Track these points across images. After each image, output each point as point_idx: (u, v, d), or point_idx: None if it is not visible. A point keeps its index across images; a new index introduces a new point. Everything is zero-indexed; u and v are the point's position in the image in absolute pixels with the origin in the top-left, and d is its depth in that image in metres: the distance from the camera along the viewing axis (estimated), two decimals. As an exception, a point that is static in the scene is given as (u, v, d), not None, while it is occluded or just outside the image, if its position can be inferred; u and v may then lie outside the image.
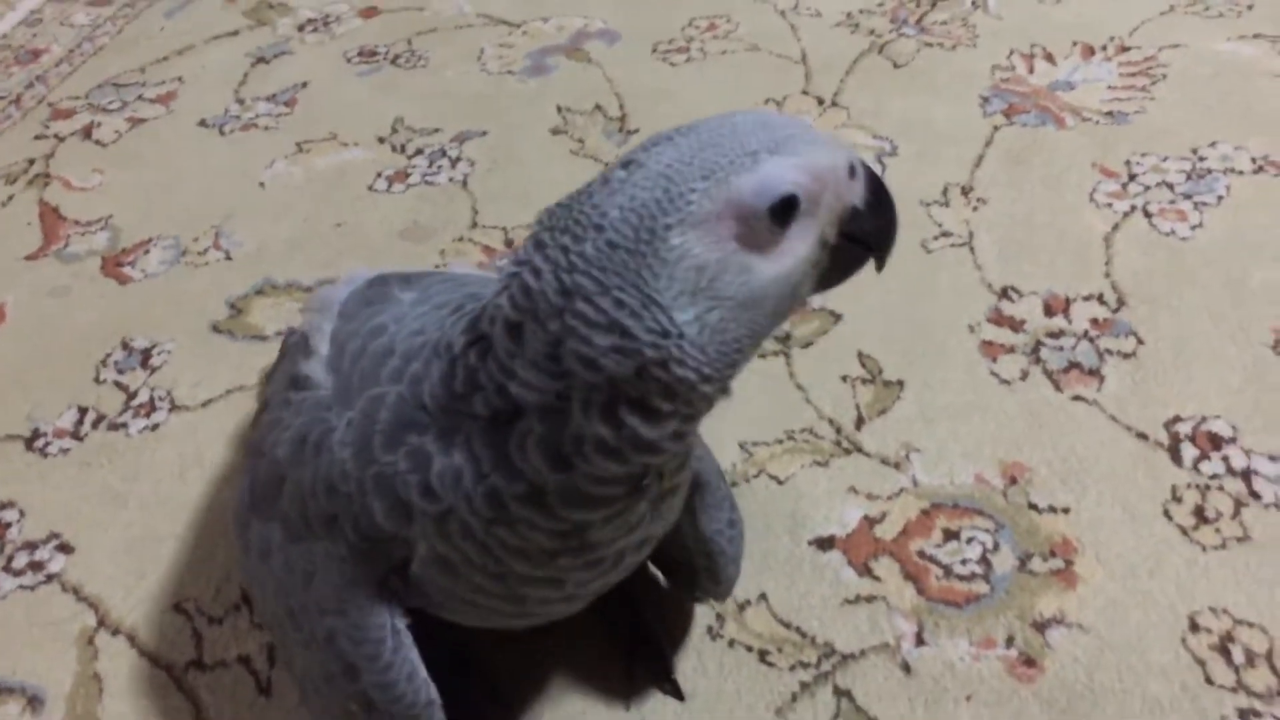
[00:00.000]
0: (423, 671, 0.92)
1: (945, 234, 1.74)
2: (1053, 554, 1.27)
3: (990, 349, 1.53)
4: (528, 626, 1.05)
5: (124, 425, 1.56)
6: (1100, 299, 1.59)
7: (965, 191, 1.83)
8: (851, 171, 0.81)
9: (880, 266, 0.89)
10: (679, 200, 0.76)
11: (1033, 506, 1.32)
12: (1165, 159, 1.84)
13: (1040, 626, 1.20)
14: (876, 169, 0.83)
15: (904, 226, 1.72)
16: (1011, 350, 1.53)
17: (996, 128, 1.97)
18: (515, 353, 0.79)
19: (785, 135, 0.79)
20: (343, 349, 1.01)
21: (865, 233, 0.84)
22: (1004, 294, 1.62)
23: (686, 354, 0.77)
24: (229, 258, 1.85)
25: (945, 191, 1.83)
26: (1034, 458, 1.38)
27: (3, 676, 1.26)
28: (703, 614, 1.25)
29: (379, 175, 2.01)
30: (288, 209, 1.96)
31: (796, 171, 0.77)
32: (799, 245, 0.79)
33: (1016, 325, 1.57)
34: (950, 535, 1.31)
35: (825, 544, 1.31)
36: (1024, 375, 1.49)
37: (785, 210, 0.77)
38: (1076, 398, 1.45)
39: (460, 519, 0.86)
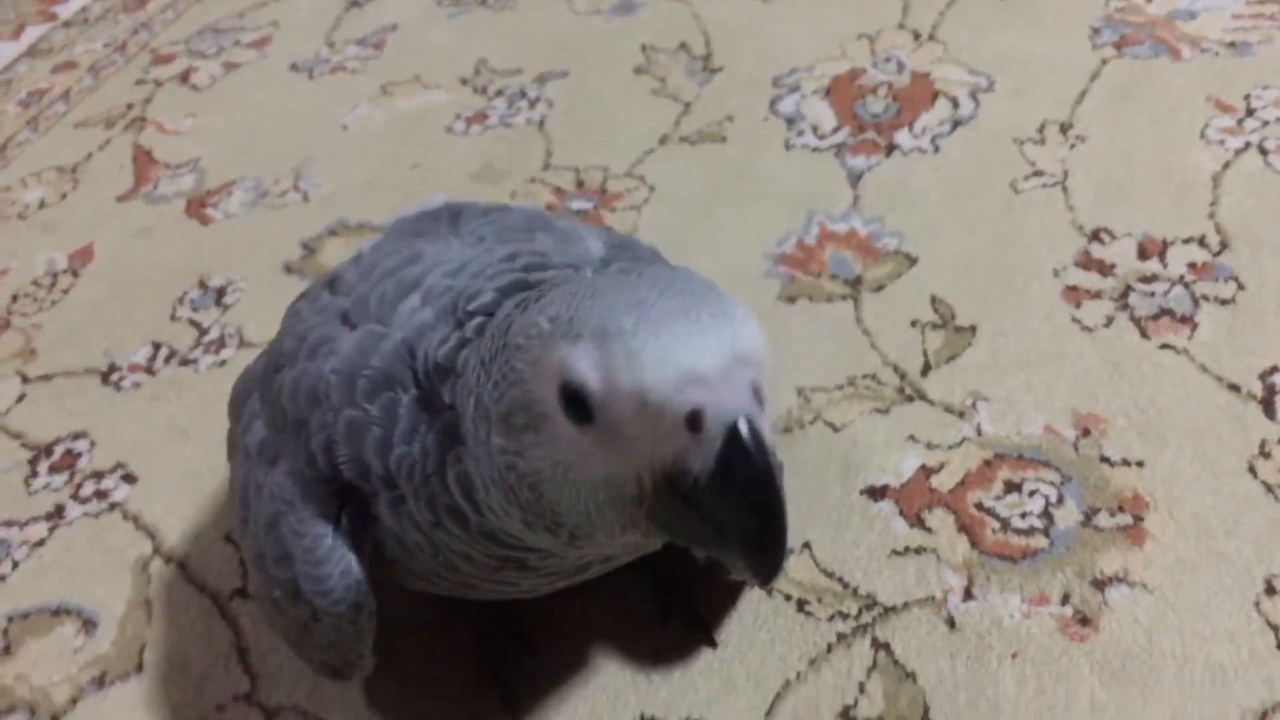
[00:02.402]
0: (358, 575, 0.90)
1: (1038, 173, 1.64)
2: (1121, 509, 1.18)
3: (1074, 294, 1.43)
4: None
5: (194, 361, 1.59)
6: (1201, 242, 1.47)
7: (1064, 129, 1.71)
8: (693, 422, 0.63)
9: (759, 579, 0.71)
10: (530, 329, 0.71)
11: (1105, 459, 1.23)
12: (1289, 92, 1.69)
13: (1100, 584, 1.12)
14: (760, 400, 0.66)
15: (994, 166, 1.65)
16: (1098, 295, 1.43)
17: (1105, 61, 1.84)
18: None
19: (650, 328, 0.65)
20: (376, 263, 1.00)
21: (708, 510, 0.66)
22: (1095, 236, 1.51)
23: (476, 464, 0.78)
24: (306, 199, 1.87)
25: (1042, 129, 1.72)
26: (1111, 408, 1.29)
27: (63, 599, 1.31)
28: (742, 561, 1.21)
29: (457, 117, 2.00)
30: (367, 151, 1.96)
31: (592, 371, 0.65)
32: (600, 451, 0.68)
33: (1106, 269, 1.46)
34: (1012, 487, 1.23)
35: (877, 493, 1.25)
36: (1109, 322, 1.39)
37: (572, 402, 0.67)
38: (1165, 346, 1.35)
39: (409, 511, 0.86)
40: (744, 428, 0.63)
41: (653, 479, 0.67)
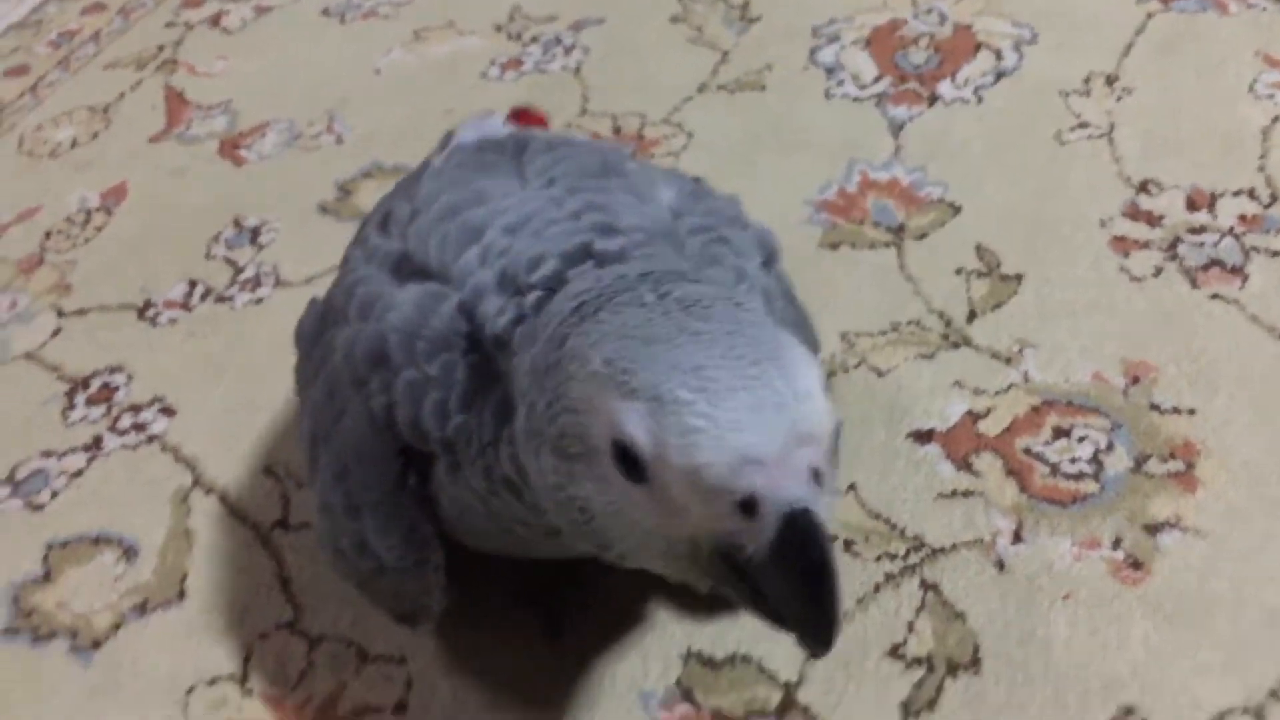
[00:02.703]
0: (425, 531, 0.90)
1: (1083, 125, 1.61)
2: (1172, 456, 1.17)
3: (1122, 244, 1.42)
4: None
5: (230, 298, 1.58)
6: (1251, 194, 1.45)
7: (1109, 81, 1.69)
8: (747, 507, 0.60)
9: (810, 654, 0.69)
10: (584, 361, 0.67)
11: (1154, 407, 1.22)
12: (1341, 46, 1.67)
13: (1152, 529, 1.11)
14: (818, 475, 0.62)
15: (1038, 117, 1.61)
16: (1146, 246, 1.41)
17: (1150, 15, 1.81)
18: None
19: (707, 402, 0.61)
20: (438, 193, 0.96)
21: (763, 587, 0.64)
22: (1142, 188, 1.49)
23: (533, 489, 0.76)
24: (340, 142, 1.86)
25: (1087, 81, 1.70)
26: (1161, 357, 1.27)
27: (103, 528, 1.31)
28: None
29: (492, 63, 1.98)
30: (400, 96, 1.95)
31: (645, 436, 0.62)
32: (651, 508, 0.65)
33: (1154, 220, 1.44)
34: (1061, 433, 1.22)
35: (923, 437, 1.24)
36: (1157, 272, 1.37)
37: (625, 458, 0.64)
38: (1215, 296, 1.33)
39: (465, 478, 0.85)
40: (801, 516, 0.60)
41: (708, 549, 0.65)
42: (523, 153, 1.01)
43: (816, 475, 0.61)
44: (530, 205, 0.92)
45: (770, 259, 1.00)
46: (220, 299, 1.58)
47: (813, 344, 1.09)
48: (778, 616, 0.65)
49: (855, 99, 1.75)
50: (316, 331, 1.02)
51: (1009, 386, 1.28)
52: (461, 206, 0.93)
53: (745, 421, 0.60)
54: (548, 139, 1.08)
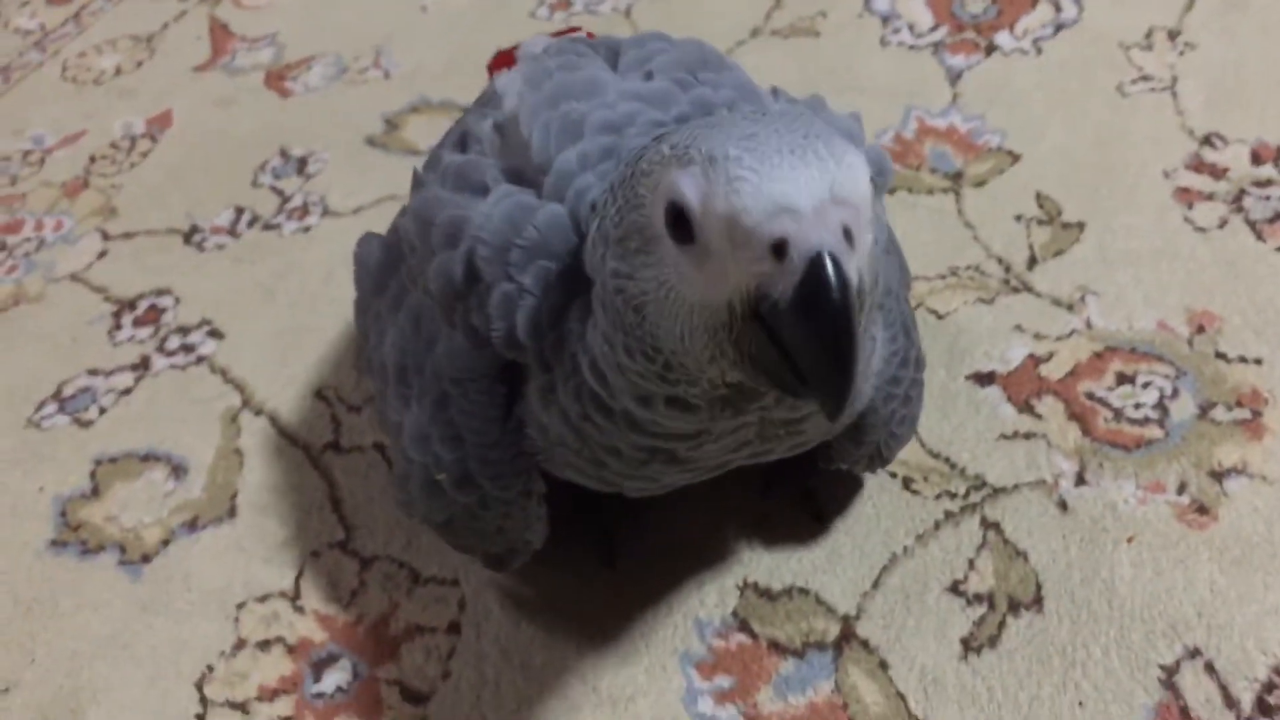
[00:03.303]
0: (529, 460, 0.89)
1: (1145, 78, 1.59)
2: (1239, 404, 1.15)
3: (1186, 195, 1.39)
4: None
5: (277, 226, 1.57)
6: (1318, 150, 1.43)
7: (1172, 36, 1.66)
8: (778, 250, 0.64)
9: (826, 411, 0.69)
10: (654, 156, 0.71)
11: (1220, 356, 1.20)
12: None
13: (1218, 475, 1.10)
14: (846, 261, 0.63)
15: (1099, 69, 1.56)
16: (1210, 198, 1.39)
17: (1214, -28, 1.78)
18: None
19: (754, 159, 0.65)
20: (546, 74, 0.96)
21: (785, 337, 0.66)
22: (1206, 141, 1.47)
23: (598, 272, 0.77)
24: (387, 77, 1.84)
25: (1149, 35, 1.67)
26: (1227, 307, 1.25)
27: (151, 445, 1.31)
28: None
29: (541, 3, 1.95)
30: (447, 34, 1.92)
31: (694, 193, 0.66)
32: (695, 272, 0.69)
33: (1218, 173, 1.42)
34: (1124, 379, 1.20)
35: (984, 379, 1.23)
36: (1222, 223, 1.35)
37: (676, 221, 0.67)
38: (1281, 249, 1.31)
39: (558, 402, 0.84)
40: (826, 261, 0.63)
41: (741, 306, 0.67)
42: (616, 50, 1.01)
43: (848, 235, 0.65)
44: (631, 104, 0.91)
45: (883, 183, 0.97)
46: (267, 226, 1.57)
47: (906, 272, 1.09)
48: (799, 378, 0.67)
49: (911, 47, 1.72)
50: (386, 263, 1.01)
51: (1071, 332, 1.26)
52: (568, 93, 0.92)
53: (785, 176, 0.64)
54: (638, 37, 1.07)
